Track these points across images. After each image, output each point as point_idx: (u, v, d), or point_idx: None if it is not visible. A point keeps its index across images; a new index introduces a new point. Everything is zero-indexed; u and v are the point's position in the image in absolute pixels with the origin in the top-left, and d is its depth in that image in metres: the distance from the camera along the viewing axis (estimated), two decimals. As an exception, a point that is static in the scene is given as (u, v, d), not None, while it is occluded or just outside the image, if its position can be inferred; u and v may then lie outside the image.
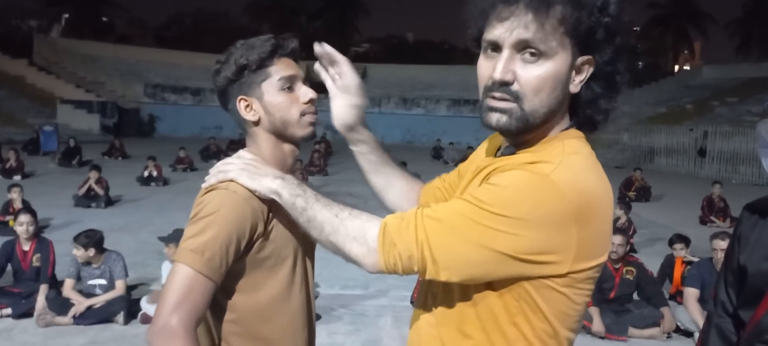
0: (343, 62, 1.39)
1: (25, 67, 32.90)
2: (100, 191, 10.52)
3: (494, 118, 1.10)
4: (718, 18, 46.72)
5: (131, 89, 32.61)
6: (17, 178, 12.84)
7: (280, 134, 1.50)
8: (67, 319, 4.89)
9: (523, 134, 1.14)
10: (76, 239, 5.07)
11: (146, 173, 13.52)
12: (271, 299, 1.45)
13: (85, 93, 31.41)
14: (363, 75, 40.99)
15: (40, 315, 4.89)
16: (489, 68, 1.09)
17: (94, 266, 5.15)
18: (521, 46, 1.05)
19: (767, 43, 42.82)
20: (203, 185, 1.41)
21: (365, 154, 1.50)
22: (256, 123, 1.50)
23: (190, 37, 49.25)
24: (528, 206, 1.01)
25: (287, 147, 1.53)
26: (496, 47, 1.08)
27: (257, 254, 1.41)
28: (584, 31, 1.05)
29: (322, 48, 1.40)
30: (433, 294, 1.22)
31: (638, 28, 53.62)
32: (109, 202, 10.63)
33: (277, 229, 1.44)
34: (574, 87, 1.11)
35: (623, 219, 8.47)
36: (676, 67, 48.25)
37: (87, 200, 10.35)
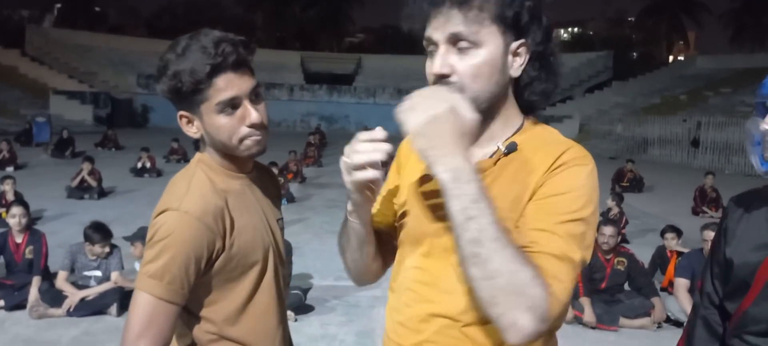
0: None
1: (17, 57, 32.73)
2: (93, 183, 10.48)
3: None
4: (712, 8, 46.85)
5: (124, 80, 32.44)
6: (10, 169, 12.76)
7: (225, 154, 1.44)
8: (60, 311, 4.89)
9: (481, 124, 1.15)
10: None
11: (140, 165, 13.47)
12: (242, 303, 1.45)
13: (78, 84, 31.28)
14: (357, 66, 40.93)
15: (33, 307, 4.88)
16: (430, 66, 1.16)
17: (91, 257, 5.15)
18: (454, 40, 1.12)
19: (761, 34, 42.99)
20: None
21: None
22: (201, 140, 1.44)
23: (182, 27, 48.67)
24: (594, 194, 1.13)
25: (239, 158, 1.46)
26: (434, 45, 1.15)
27: (222, 268, 1.39)
28: (511, 16, 1.12)
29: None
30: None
31: (632, 19, 53.69)
32: (102, 193, 10.60)
33: (240, 241, 1.40)
34: (515, 71, 1.17)
35: (615, 210, 8.50)
36: (670, 58, 48.35)
37: (80, 191, 10.31)
